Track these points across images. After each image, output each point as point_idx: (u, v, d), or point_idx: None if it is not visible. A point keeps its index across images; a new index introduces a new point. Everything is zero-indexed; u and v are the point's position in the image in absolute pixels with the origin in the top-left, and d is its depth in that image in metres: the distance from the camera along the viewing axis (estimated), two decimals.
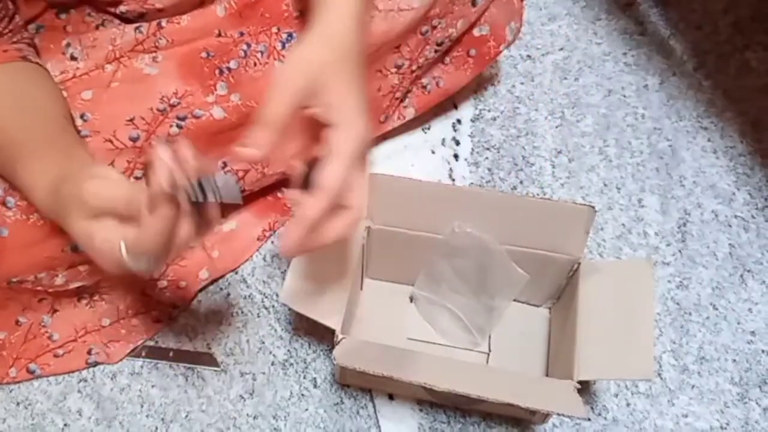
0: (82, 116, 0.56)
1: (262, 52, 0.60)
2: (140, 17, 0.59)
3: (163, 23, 0.59)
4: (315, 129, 0.45)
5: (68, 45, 0.58)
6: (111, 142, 0.57)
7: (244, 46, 0.60)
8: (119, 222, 0.43)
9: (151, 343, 0.68)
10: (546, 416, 0.61)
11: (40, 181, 0.48)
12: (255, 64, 0.60)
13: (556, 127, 0.81)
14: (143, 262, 0.43)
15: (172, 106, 0.58)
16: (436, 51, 0.68)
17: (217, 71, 0.60)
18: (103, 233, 0.43)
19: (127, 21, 0.60)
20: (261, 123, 0.42)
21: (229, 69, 0.60)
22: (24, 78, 0.53)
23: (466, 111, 0.82)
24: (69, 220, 0.44)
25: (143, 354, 0.68)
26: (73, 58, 0.57)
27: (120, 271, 0.44)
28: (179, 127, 0.59)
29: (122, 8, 0.58)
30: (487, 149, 0.79)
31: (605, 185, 0.77)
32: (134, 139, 0.57)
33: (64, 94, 0.56)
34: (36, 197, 0.49)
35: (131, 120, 0.57)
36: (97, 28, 0.59)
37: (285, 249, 0.44)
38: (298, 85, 0.43)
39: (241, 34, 0.60)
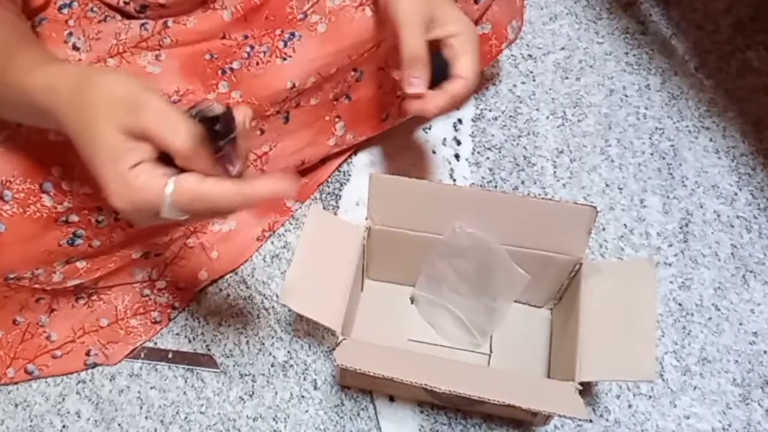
0: None
1: (264, 52, 0.60)
2: (143, 10, 0.58)
3: (170, 23, 0.59)
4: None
5: (70, 34, 0.57)
6: None
7: (248, 49, 0.60)
8: (155, 151, 0.39)
9: (150, 345, 0.68)
10: (547, 418, 0.61)
11: (36, 69, 0.43)
12: (257, 63, 0.60)
13: (558, 126, 0.81)
14: (183, 212, 0.40)
15: (173, 102, 0.58)
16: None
17: (219, 71, 0.60)
18: (143, 163, 0.39)
19: (129, 17, 0.59)
20: (409, 62, 0.53)
21: (231, 69, 0.60)
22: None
23: (467, 111, 0.81)
24: (92, 125, 0.39)
25: (142, 355, 0.67)
26: (75, 48, 0.57)
27: (142, 213, 0.40)
28: None
29: None
30: (489, 149, 0.79)
31: (607, 185, 0.77)
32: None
33: None
34: (31, 86, 0.43)
35: None
36: (99, 23, 0.59)
37: (431, 113, 0.54)
38: (420, 20, 0.53)
39: (246, 36, 0.61)
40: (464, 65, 0.54)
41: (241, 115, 0.41)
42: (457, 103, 0.56)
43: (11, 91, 0.44)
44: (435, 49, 0.55)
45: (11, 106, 0.46)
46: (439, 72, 0.55)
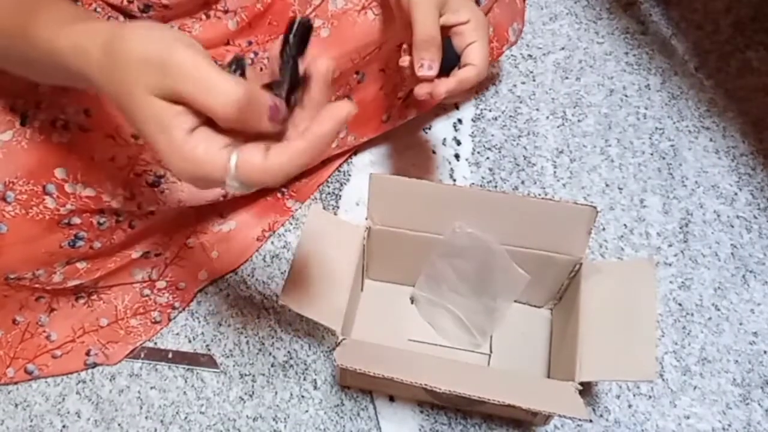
0: (86, 111, 0.56)
1: (268, 58, 0.60)
2: (146, 10, 0.58)
3: (175, 29, 0.59)
4: None
5: None
6: (113, 138, 0.56)
7: (252, 55, 0.60)
8: (197, 116, 0.35)
9: (150, 345, 0.68)
10: (547, 418, 0.61)
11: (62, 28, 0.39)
12: (261, 69, 0.60)
13: (558, 126, 0.81)
14: (249, 186, 0.37)
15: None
16: None
17: None
18: (199, 129, 0.35)
19: (133, 17, 0.59)
20: (422, 44, 0.52)
21: None
22: None
23: (467, 111, 0.81)
24: (131, 91, 0.36)
25: (142, 355, 0.67)
26: None
27: (206, 184, 0.37)
28: None
29: None
30: (489, 149, 0.79)
31: (607, 185, 0.77)
32: (136, 136, 0.57)
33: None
34: (59, 48, 0.39)
35: None
36: None
37: (441, 96, 0.54)
38: (434, 2, 0.53)
39: (249, 43, 0.61)
40: (475, 53, 0.54)
41: (324, 65, 0.37)
42: (466, 90, 0.56)
43: (35, 50, 0.40)
44: (443, 36, 0.55)
45: (36, 65, 0.43)
46: (449, 61, 0.55)
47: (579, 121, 0.81)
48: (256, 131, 0.36)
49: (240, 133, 0.36)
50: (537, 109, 0.82)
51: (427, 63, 0.53)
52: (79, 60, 0.38)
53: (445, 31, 0.54)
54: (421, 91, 0.55)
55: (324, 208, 0.75)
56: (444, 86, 0.54)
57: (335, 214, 0.75)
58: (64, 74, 0.40)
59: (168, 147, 0.35)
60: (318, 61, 0.37)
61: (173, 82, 0.34)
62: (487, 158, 0.78)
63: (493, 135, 0.80)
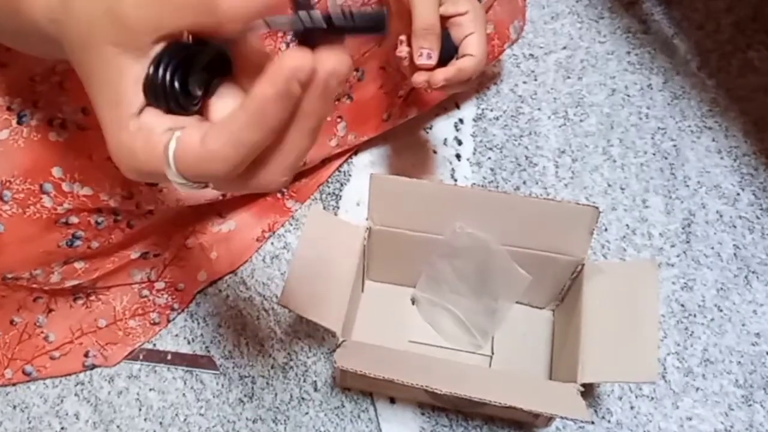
0: (83, 110, 0.55)
1: None
2: None
3: None
4: None
5: None
6: None
7: None
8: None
9: (149, 346, 0.68)
10: (549, 419, 0.61)
11: None
12: None
13: (560, 126, 0.80)
14: (191, 182, 0.29)
15: None
16: None
17: None
18: (146, 108, 0.29)
19: None
20: (421, 32, 0.52)
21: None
22: None
23: (468, 110, 0.81)
24: (88, 49, 0.29)
25: (141, 357, 0.67)
26: None
27: (151, 179, 0.31)
28: None
29: None
30: (490, 149, 0.79)
31: (609, 185, 0.76)
32: None
33: (67, 84, 0.55)
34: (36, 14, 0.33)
35: None
36: None
37: (439, 83, 0.53)
38: None
39: None
40: (473, 44, 0.54)
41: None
42: (464, 82, 0.56)
43: (21, 23, 0.35)
44: (442, 28, 0.55)
45: (26, 38, 0.37)
46: (447, 52, 0.55)
47: (581, 120, 0.81)
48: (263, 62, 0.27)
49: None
50: (539, 109, 0.81)
51: (427, 52, 0.53)
52: (53, 25, 0.32)
53: (444, 21, 0.54)
54: (419, 78, 0.55)
55: (324, 208, 0.75)
56: (442, 74, 0.54)
57: (335, 214, 0.75)
58: (45, 44, 0.34)
59: (110, 126, 0.30)
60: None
61: (124, 19, 0.28)
62: (489, 158, 0.78)
63: (494, 135, 0.80)
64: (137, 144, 0.29)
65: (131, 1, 0.28)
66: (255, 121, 0.27)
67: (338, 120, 0.69)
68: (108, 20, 0.28)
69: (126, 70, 0.29)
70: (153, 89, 0.29)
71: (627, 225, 0.74)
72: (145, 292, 0.68)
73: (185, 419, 0.65)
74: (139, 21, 0.28)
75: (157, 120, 0.29)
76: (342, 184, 0.76)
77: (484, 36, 0.55)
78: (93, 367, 0.66)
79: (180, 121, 0.30)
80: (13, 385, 0.66)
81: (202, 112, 0.31)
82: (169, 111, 0.29)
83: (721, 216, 0.75)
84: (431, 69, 0.54)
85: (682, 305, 0.70)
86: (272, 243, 0.73)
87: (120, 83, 0.29)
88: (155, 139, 0.29)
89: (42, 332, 0.65)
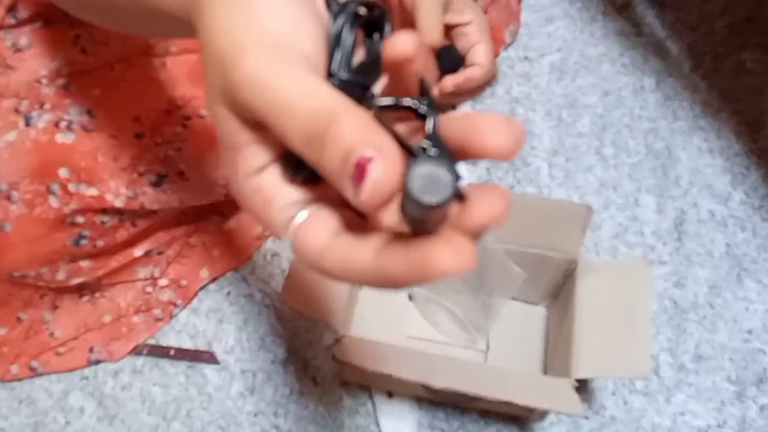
0: (89, 112, 0.57)
1: None
2: None
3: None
4: None
5: (78, 37, 0.57)
6: (116, 138, 0.57)
7: None
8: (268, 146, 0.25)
9: (153, 342, 0.69)
10: (543, 414, 0.62)
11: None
12: None
13: (553, 127, 0.81)
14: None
15: (178, 107, 0.59)
16: None
17: None
18: (267, 170, 0.25)
19: None
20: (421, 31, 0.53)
21: None
22: None
23: (464, 112, 0.82)
24: (209, 86, 0.26)
25: (144, 352, 0.68)
26: (83, 51, 0.58)
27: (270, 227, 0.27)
28: (184, 126, 0.60)
29: None
30: None
31: (602, 185, 0.78)
32: (139, 137, 0.58)
33: (72, 87, 0.56)
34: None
35: (137, 118, 0.58)
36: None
37: (448, 89, 0.56)
38: (438, 4, 0.54)
39: None
40: (480, 53, 0.55)
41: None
42: (474, 89, 0.56)
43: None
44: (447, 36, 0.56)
45: (141, 17, 0.35)
46: (454, 62, 0.56)
47: (574, 121, 0.82)
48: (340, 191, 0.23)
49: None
50: (533, 110, 0.82)
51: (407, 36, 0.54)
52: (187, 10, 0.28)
53: (448, 30, 0.55)
54: None
55: None
56: (451, 80, 0.55)
57: None
58: (173, 24, 0.30)
59: (229, 172, 0.26)
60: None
61: (236, 93, 0.24)
62: None
63: None
64: (255, 205, 0.26)
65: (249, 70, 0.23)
66: (378, 276, 0.24)
67: None
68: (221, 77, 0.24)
69: (235, 130, 0.25)
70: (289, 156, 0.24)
71: (620, 223, 0.75)
72: (149, 288, 0.69)
73: (188, 413, 0.66)
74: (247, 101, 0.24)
75: (279, 187, 0.25)
76: None
77: (490, 45, 0.56)
78: (98, 362, 0.68)
79: (305, 195, 0.26)
80: (19, 380, 0.67)
81: None
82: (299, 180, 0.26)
83: (713, 215, 0.76)
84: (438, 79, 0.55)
85: (675, 302, 0.71)
86: (273, 241, 0.74)
87: (231, 135, 0.25)
88: (274, 210, 0.25)
89: (48, 329, 0.67)
